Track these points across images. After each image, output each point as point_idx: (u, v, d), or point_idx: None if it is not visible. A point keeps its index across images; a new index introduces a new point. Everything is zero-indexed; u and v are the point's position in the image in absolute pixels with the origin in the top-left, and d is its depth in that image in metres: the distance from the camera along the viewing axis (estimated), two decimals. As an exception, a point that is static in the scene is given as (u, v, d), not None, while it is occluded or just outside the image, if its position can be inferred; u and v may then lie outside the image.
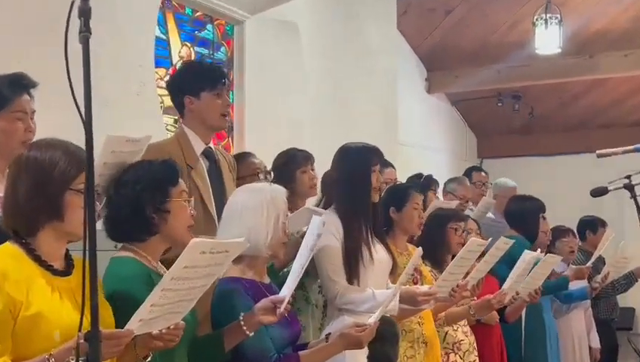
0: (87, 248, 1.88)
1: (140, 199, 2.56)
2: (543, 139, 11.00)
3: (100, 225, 2.74)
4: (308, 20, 6.97)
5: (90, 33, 1.94)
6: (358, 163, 3.68)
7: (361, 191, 3.65)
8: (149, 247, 2.61)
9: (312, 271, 3.85)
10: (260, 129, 6.38)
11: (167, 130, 5.67)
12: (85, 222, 1.89)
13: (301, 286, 3.89)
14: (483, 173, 7.11)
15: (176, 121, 5.80)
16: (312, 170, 4.43)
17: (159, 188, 2.59)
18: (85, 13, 1.93)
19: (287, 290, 2.71)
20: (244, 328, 2.69)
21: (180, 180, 2.67)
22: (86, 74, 1.94)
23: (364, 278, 3.62)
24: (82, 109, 1.90)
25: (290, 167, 4.40)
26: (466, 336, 4.52)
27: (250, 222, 2.89)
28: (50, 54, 3.98)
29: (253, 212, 2.90)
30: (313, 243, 2.77)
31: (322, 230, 2.82)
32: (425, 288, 3.79)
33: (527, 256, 4.49)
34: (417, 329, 4.03)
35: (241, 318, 2.70)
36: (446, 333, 4.43)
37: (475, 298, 4.46)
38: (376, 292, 3.58)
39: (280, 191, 3.00)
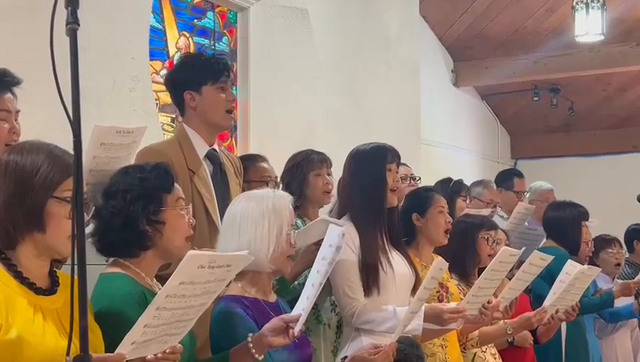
0: (75, 263, 1.89)
1: (131, 210, 2.57)
2: (584, 138, 10.99)
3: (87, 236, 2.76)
4: (319, 6, 6.98)
5: (79, 25, 1.96)
6: (370, 165, 3.71)
7: (376, 197, 3.68)
8: (143, 263, 2.62)
9: (324, 286, 3.87)
10: (266, 128, 6.39)
11: (164, 130, 5.68)
12: (73, 234, 1.90)
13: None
14: (525, 181, 7.08)
15: (173, 120, 5.82)
16: (329, 174, 4.44)
17: (152, 197, 2.60)
18: (73, 3, 1.94)
19: (301, 309, 2.72)
20: (253, 351, 2.69)
21: (176, 186, 2.68)
22: (74, 69, 1.95)
23: (385, 294, 3.62)
24: (69, 108, 1.92)
25: (303, 169, 4.42)
26: (495, 359, 4.52)
27: (251, 233, 2.90)
28: (32, 46, 4.04)
29: (253, 222, 2.91)
30: (332, 256, 2.79)
31: (342, 242, 2.83)
32: (452, 305, 3.79)
33: (571, 267, 4.48)
34: (440, 354, 4.02)
35: (250, 340, 2.70)
36: (474, 355, 4.42)
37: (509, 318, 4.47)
38: (397, 310, 3.58)
39: (284, 199, 3.00)
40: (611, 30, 8.46)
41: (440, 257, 3.63)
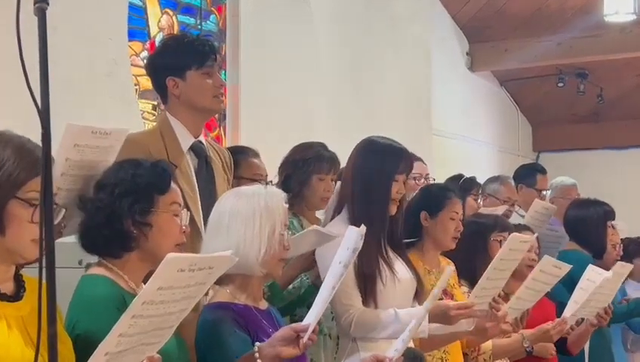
0: (43, 267, 1.92)
1: (117, 207, 2.62)
2: (614, 128, 11.03)
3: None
4: (319, -20, 7.02)
5: (48, 3, 1.99)
6: (379, 170, 3.73)
7: (378, 203, 3.71)
8: (127, 265, 2.67)
9: (316, 281, 3.91)
10: (258, 117, 6.42)
11: (144, 118, 5.72)
12: (41, 235, 1.93)
13: (304, 298, 3.95)
14: (548, 178, 7.09)
15: (154, 108, 5.86)
16: (333, 180, 4.45)
17: (142, 195, 2.64)
18: (42, -21, 1.98)
19: (313, 316, 2.74)
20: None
21: (173, 188, 2.73)
22: (42, 53, 1.97)
23: (384, 301, 3.66)
24: (38, 97, 1.95)
25: (309, 168, 4.44)
26: (510, 375, 4.56)
27: (240, 233, 2.92)
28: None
29: (243, 221, 2.93)
30: (348, 259, 2.82)
31: (360, 243, 2.86)
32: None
33: (593, 273, 4.51)
34: (440, 365, 4.06)
35: (256, 349, 2.74)
36: (484, 369, 4.47)
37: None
38: (399, 313, 3.62)
39: (277, 196, 3.03)
40: (642, 8, 8.48)
41: (448, 265, 3.65)
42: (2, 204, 2.24)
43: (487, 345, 4.38)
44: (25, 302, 2.32)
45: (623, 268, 4.78)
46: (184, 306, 2.30)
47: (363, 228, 2.93)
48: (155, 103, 5.83)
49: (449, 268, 3.58)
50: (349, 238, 2.89)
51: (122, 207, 2.62)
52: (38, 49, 1.97)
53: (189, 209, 3.44)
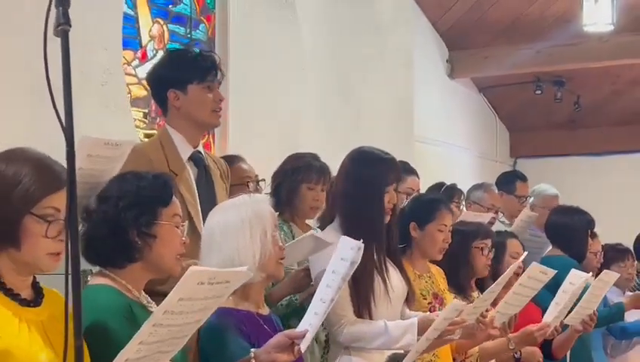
0: (69, 282, 2.00)
1: (122, 219, 2.69)
2: (590, 135, 11.08)
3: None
4: (306, -10, 7.07)
5: (70, 25, 2.08)
6: (369, 181, 3.80)
7: (372, 212, 3.78)
8: (129, 275, 2.74)
9: (305, 303, 3.97)
10: (246, 124, 6.46)
11: (136, 126, 5.76)
12: (67, 247, 2.01)
13: (299, 315, 4.02)
14: (528, 185, 7.17)
15: (145, 116, 5.91)
16: (322, 190, 4.52)
17: (146, 207, 2.72)
18: (63, 3, 2.06)
19: (308, 324, 2.83)
20: None
21: (174, 200, 2.80)
22: (65, 72, 2.08)
23: (377, 312, 3.74)
24: (62, 115, 2.03)
25: (298, 176, 4.52)
26: (499, 379, 4.65)
27: (232, 245, 3.01)
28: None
29: (234, 232, 3.03)
30: (346, 271, 2.90)
31: (359, 257, 2.94)
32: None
33: (575, 276, 4.60)
34: (429, 369, 4.13)
35: (252, 355, 2.82)
36: (475, 375, 4.55)
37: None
38: (389, 325, 3.71)
39: (263, 201, 3.15)
40: (622, 18, 8.53)
41: (455, 301, 3.73)
42: (18, 219, 2.31)
43: (474, 348, 4.47)
44: (43, 307, 2.41)
45: (609, 276, 4.87)
46: (200, 317, 2.39)
47: (361, 243, 2.99)
48: (146, 111, 5.89)
49: (454, 302, 3.67)
50: (343, 250, 2.96)
51: (127, 219, 2.69)
52: (62, 69, 2.06)
53: (191, 217, 3.54)
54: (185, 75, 3.67)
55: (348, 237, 3.01)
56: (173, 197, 2.81)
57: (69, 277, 2.01)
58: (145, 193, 2.74)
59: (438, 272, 4.45)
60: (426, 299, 4.21)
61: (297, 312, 3.92)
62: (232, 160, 4.57)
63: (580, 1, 8.40)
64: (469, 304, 4.08)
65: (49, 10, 2.03)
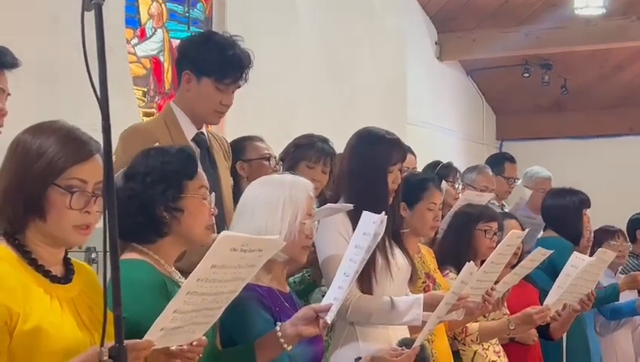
0: (106, 255, 2.03)
1: (149, 195, 2.71)
2: (577, 119, 11.14)
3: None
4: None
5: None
6: (374, 158, 3.83)
7: (378, 190, 3.82)
8: (161, 250, 2.76)
9: (317, 278, 4.03)
10: (241, 109, 6.45)
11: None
12: (105, 224, 2.04)
13: (302, 294, 4.06)
14: (516, 166, 7.21)
15: (144, 94, 5.93)
16: (324, 171, 4.53)
17: (173, 182, 2.74)
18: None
19: (332, 298, 2.87)
20: (282, 341, 2.84)
21: (200, 172, 2.82)
22: (100, 46, 2.11)
23: (381, 289, 3.78)
24: (97, 88, 2.06)
25: (297, 153, 4.54)
26: (498, 357, 4.67)
27: (262, 219, 3.03)
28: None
29: (266, 208, 3.05)
30: (368, 244, 2.94)
31: (382, 229, 2.98)
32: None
33: (577, 259, 4.66)
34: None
35: (278, 329, 2.85)
36: (475, 353, 4.57)
37: (507, 311, 4.64)
38: (395, 301, 3.75)
39: (303, 186, 3.14)
40: (613, 2, 8.62)
41: (471, 263, 3.75)
42: (42, 190, 2.29)
43: (474, 326, 4.51)
44: (74, 284, 2.40)
45: (606, 254, 4.91)
46: (233, 288, 2.39)
47: (383, 215, 3.04)
48: (145, 90, 5.90)
49: (468, 264, 3.69)
50: (365, 224, 3.00)
51: (154, 195, 2.71)
52: (96, 43, 2.08)
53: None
54: (206, 66, 3.60)
55: (369, 212, 3.04)
56: (199, 169, 2.82)
57: (107, 254, 2.03)
58: (170, 168, 2.75)
59: (428, 252, 4.50)
60: (420, 278, 4.25)
61: (310, 289, 3.95)
62: (249, 138, 4.59)
63: (571, -16, 8.46)
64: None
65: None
